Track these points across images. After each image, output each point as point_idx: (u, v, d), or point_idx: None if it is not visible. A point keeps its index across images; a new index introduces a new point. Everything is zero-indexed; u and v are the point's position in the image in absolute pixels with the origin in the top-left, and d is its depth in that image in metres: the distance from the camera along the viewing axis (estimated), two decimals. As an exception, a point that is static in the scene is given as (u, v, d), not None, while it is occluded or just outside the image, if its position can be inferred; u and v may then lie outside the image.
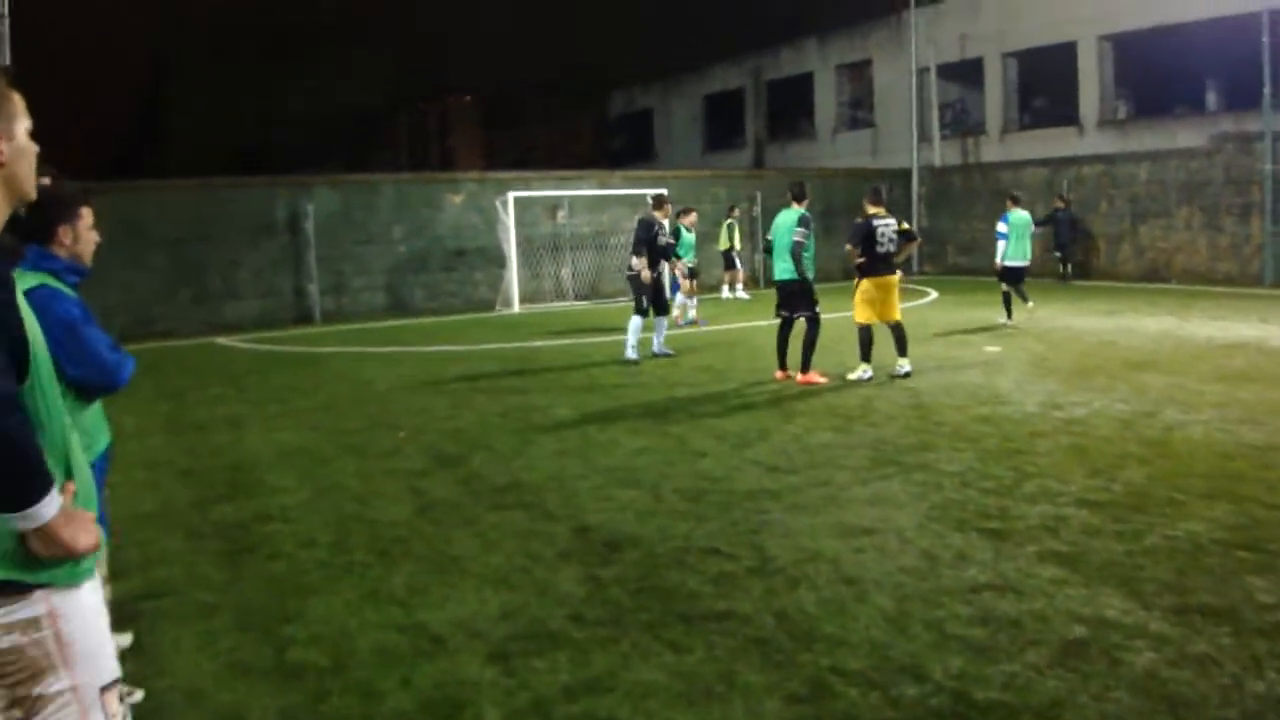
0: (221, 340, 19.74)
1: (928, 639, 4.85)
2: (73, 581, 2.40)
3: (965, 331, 16.53)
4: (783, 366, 12.51)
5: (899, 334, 12.40)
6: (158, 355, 17.48)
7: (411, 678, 4.64)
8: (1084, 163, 27.60)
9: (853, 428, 9.53)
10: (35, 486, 2.19)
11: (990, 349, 14.37)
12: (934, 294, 23.66)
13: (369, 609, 5.49)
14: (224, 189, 22.85)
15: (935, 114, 32.96)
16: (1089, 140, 28.94)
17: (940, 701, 4.26)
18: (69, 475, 2.42)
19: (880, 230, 12.23)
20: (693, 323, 19.06)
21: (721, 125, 44.72)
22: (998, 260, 17.58)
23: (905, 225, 12.72)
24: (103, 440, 4.65)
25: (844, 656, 4.69)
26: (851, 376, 12.18)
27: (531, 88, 51.97)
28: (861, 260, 12.32)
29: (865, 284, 12.35)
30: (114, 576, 6.20)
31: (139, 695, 4.57)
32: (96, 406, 4.63)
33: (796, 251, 12.13)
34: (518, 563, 6.12)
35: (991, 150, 31.88)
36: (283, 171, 26.27)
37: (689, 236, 19.02)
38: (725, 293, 24.53)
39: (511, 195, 23.81)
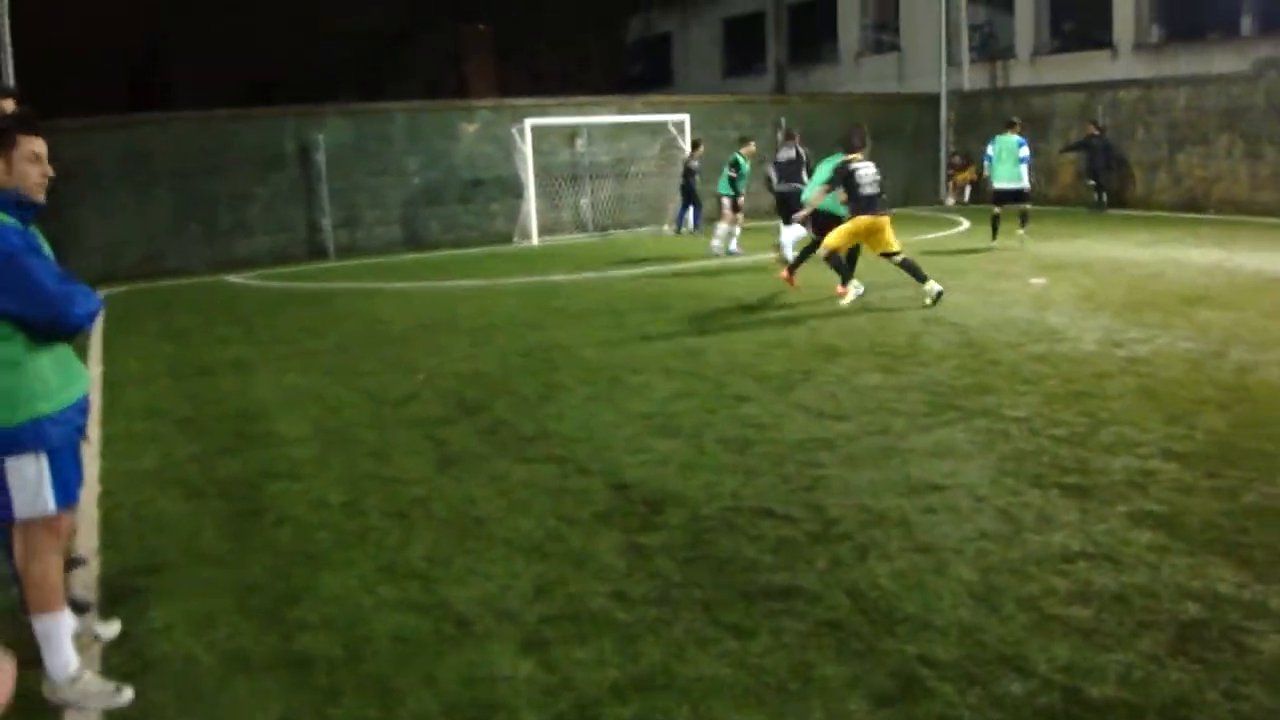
0: (231, 278, 19.09)
1: (1024, 620, 4.24)
2: None
3: (1004, 263, 15.76)
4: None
5: (909, 266, 12.40)
6: (165, 294, 16.90)
7: (434, 672, 4.04)
8: (1120, 87, 26.53)
9: (902, 368, 8.87)
10: None
11: (1035, 281, 13.64)
12: (966, 223, 22.81)
13: (385, 584, 4.89)
14: (231, 121, 22.06)
15: (965, 37, 31.82)
16: (1122, 65, 27.82)
17: (1050, 700, 3.66)
18: None
19: (859, 172, 12.39)
20: (733, 253, 18.32)
21: (741, 50, 43.53)
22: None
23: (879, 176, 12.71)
24: (69, 391, 4.02)
25: (932, 643, 4.07)
26: (845, 302, 12.43)
27: (546, 13, 50.78)
28: (847, 204, 12.54)
29: (856, 220, 12.39)
30: (105, 546, 5.67)
31: (127, 695, 4.01)
32: (64, 350, 4.02)
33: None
34: (550, 526, 5.51)
35: (1021, 74, 30.77)
36: (294, 103, 25.40)
37: (747, 167, 19.33)
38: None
39: (529, 122, 22.95)
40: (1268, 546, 4.88)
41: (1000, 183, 17.94)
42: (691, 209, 22.85)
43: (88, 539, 5.70)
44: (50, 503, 3.96)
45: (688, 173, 22.41)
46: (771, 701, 3.72)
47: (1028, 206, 18.14)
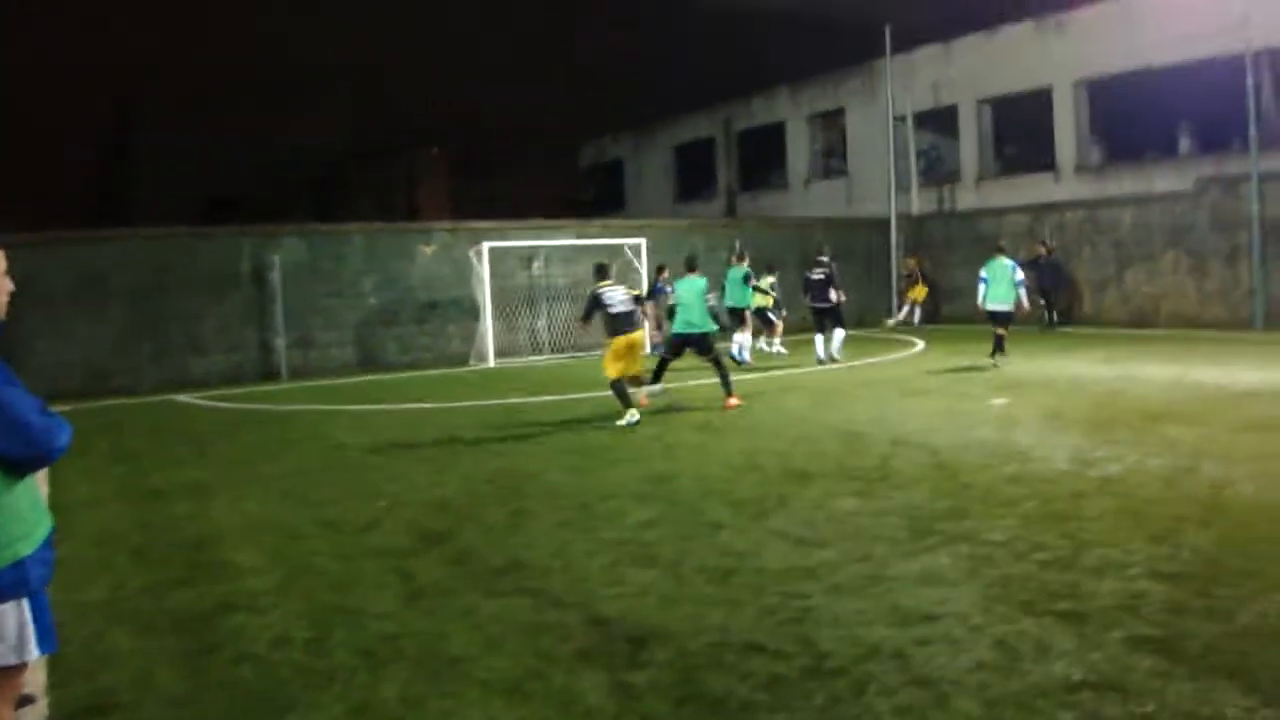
0: (182, 398, 18.72)
1: (1036, 759, 4.02)
2: None
3: (963, 383, 15.79)
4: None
5: (637, 381, 13.95)
6: (115, 413, 16.50)
7: (415, 828, 3.75)
8: (1066, 208, 27.22)
9: (876, 491, 8.72)
10: None
11: (997, 401, 13.64)
12: (921, 344, 22.98)
13: (356, 729, 4.59)
14: (187, 239, 21.94)
15: (913, 162, 32.53)
16: (1065, 186, 28.56)
17: None
18: None
19: (607, 296, 13.59)
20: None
21: (693, 175, 44.24)
22: (979, 303, 18.49)
23: (635, 291, 14.31)
24: (43, 527, 3.76)
25: (942, 789, 3.85)
26: (620, 423, 13.07)
27: (499, 139, 51.45)
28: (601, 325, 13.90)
29: (614, 342, 13.56)
30: (56, 684, 5.33)
31: None
32: (31, 483, 3.75)
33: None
34: (528, 665, 5.23)
35: (967, 197, 31.46)
36: (248, 221, 25.33)
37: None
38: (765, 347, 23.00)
39: (486, 245, 23.01)
40: (1272, 667, 4.74)
41: (994, 305, 18.07)
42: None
43: (36, 675, 5.34)
44: (34, 651, 3.67)
45: (654, 294, 22.49)
46: None
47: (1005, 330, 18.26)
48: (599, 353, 23.51)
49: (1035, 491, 8.45)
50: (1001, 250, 18.91)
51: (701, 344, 14.67)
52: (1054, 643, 5.18)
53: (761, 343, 21.99)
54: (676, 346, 15.04)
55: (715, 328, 15.07)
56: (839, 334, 20.09)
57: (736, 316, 20.75)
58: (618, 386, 13.45)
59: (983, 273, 18.43)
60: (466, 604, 6.27)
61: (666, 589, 6.35)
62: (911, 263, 29.85)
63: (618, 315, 13.51)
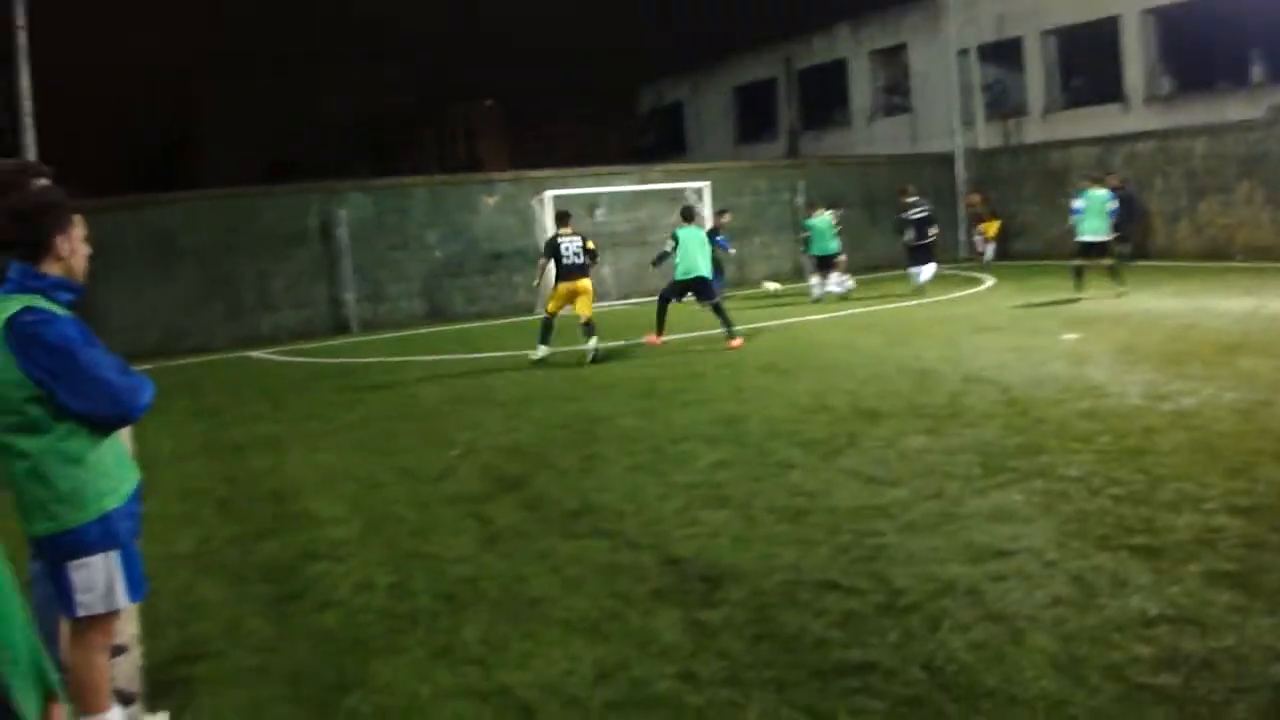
0: (256, 354, 19.07)
1: (1112, 690, 4.03)
2: None
3: (1034, 319, 15.60)
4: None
5: (589, 328, 14.92)
6: (192, 371, 16.85)
7: (501, 763, 3.86)
8: (1136, 140, 26.55)
9: (947, 429, 8.69)
10: None
11: (1068, 336, 13.46)
12: (991, 280, 22.69)
13: (441, 670, 4.71)
14: (254, 198, 22.23)
15: (977, 96, 31.93)
16: (1134, 118, 27.90)
17: (1152, 777, 3.45)
18: (48, 691, 1.46)
19: (564, 245, 15.08)
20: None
21: (754, 116, 43.79)
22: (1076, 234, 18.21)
23: (590, 244, 15.42)
24: (130, 479, 3.90)
25: (1019, 718, 3.87)
26: (533, 356, 14.87)
27: (557, 87, 51.32)
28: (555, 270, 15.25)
29: (559, 286, 15.15)
30: (147, 634, 5.51)
31: (177, 794, 3.83)
32: (117, 441, 3.87)
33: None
34: (606, 605, 5.32)
35: (1034, 131, 30.84)
36: (312, 179, 25.61)
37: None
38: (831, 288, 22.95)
39: (548, 194, 23.03)
40: (1352, 603, 4.69)
41: (1087, 236, 17.93)
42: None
43: (129, 626, 5.53)
44: (123, 600, 3.82)
45: (713, 239, 22.55)
46: (860, 788, 3.52)
47: (1112, 260, 18.10)
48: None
49: (1109, 426, 8.36)
50: (1098, 180, 18.64)
51: (701, 289, 15.70)
52: (1130, 577, 5.16)
53: (818, 282, 21.77)
54: (679, 290, 15.94)
55: (711, 274, 16.02)
56: (930, 268, 21.24)
57: (826, 264, 21.48)
58: (546, 321, 15.10)
59: (1077, 203, 18.16)
60: (543, 547, 6.38)
61: (739, 529, 6.41)
62: (976, 199, 29.30)
63: (568, 264, 15.03)
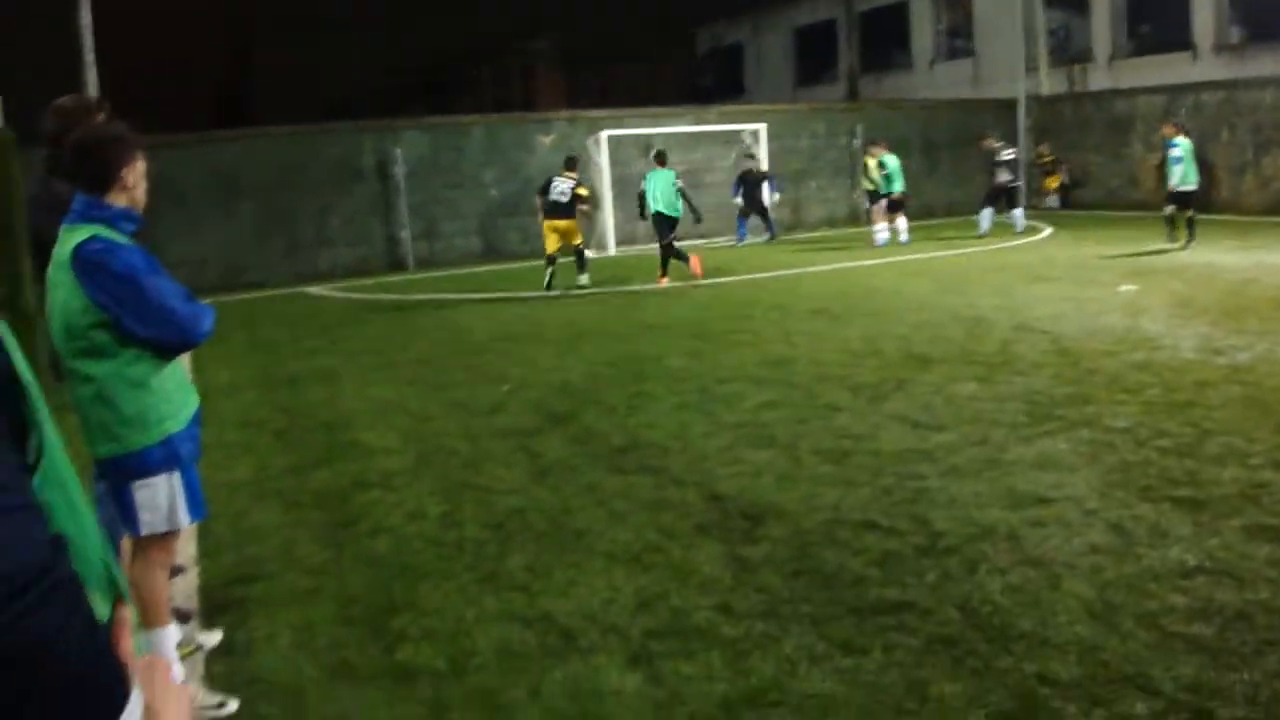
0: (313, 290, 19.32)
1: (1146, 638, 4.08)
2: None
3: (1091, 270, 15.43)
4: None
5: (580, 256, 16.94)
6: (250, 306, 17.11)
7: (541, 685, 3.99)
8: (1202, 90, 25.93)
9: (996, 377, 8.68)
10: (92, 712, 1.16)
11: (1125, 288, 13.31)
12: (1048, 230, 22.42)
13: (487, 596, 4.85)
14: (312, 136, 22.37)
15: (1042, 41, 31.32)
16: (1202, 66, 27.20)
17: (1179, 720, 3.51)
18: (116, 592, 1.51)
19: (555, 186, 16.70)
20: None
21: (813, 58, 43.25)
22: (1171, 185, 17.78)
23: (582, 190, 17.06)
24: (191, 404, 4.04)
25: (1051, 661, 3.94)
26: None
27: (616, 26, 50.94)
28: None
29: (546, 224, 16.82)
30: (204, 555, 5.70)
31: (233, 706, 4.00)
32: (179, 367, 4.01)
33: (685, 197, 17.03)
34: (649, 538, 5.44)
35: (1099, 78, 30.19)
36: (368, 118, 25.73)
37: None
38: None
39: (604, 134, 23.00)
40: (1395, 561, 4.69)
41: (1186, 185, 17.64)
42: (760, 218, 23.10)
43: (187, 548, 5.73)
44: (185, 519, 3.97)
45: (758, 182, 22.57)
46: (890, 720, 3.61)
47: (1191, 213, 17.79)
48: (723, 240, 23.60)
49: (1160, 379, 8.32)
50: (1181, 128, 18.29)
51: (671, 227, 16.78)
52: (1171, 529, 5.18)
53: (887, 227, 21.58)
54: (665, 226, 16.92)
55: (680, 214, 17.00)
56: (1017, 212, 21.77)
57: (897, 205, 21.47)
58: (551, 260, 16.67)
59: (1176, 151, 17.70)
60: (590, 481, 6.50)
61: (783, 469, 6.49)
62: (1044, 150, 28.66)
63: (552, 201, 16.64)
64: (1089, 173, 27.82)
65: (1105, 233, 20.38)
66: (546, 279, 16.47)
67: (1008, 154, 21.74)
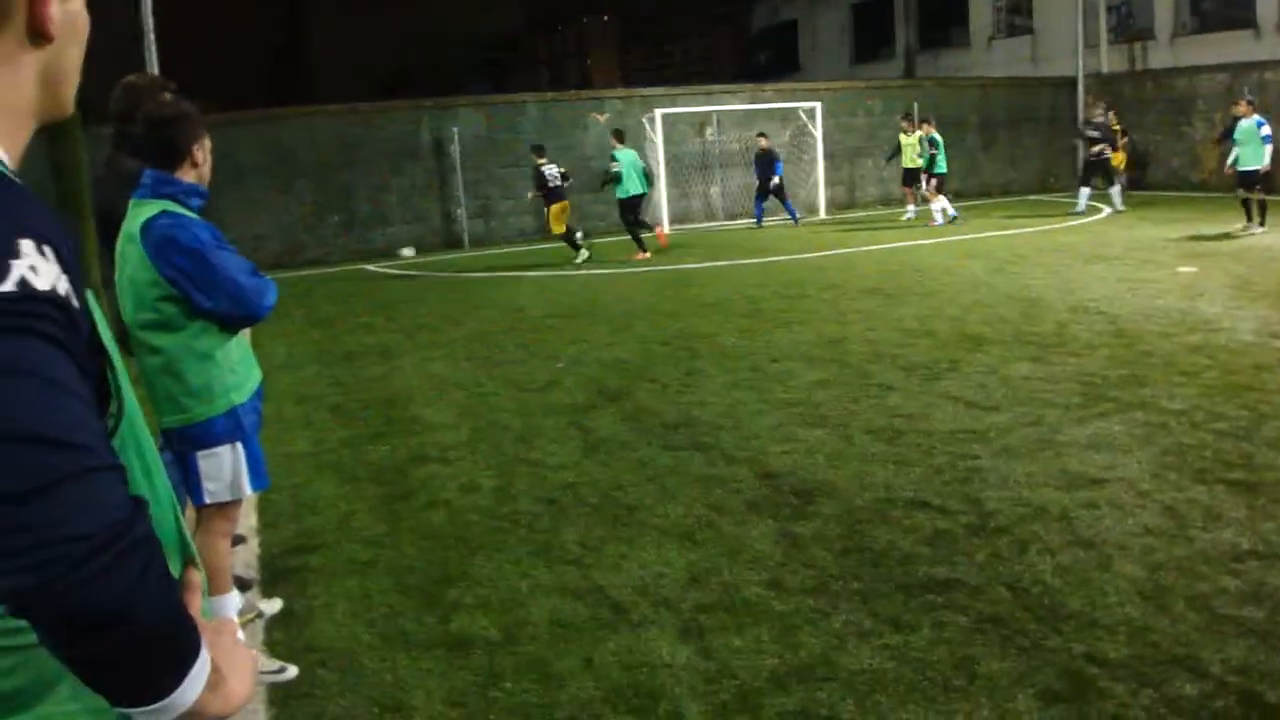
0: (370, 267, 19.53)
1: (1196, 620, 4.08)
2: None
3: (1149, 250, 15.23)
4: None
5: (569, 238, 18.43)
6: (308, 283, 17.33)
7: (594, 656, 4.07)
8: (1266, 68, 25.40)
9: (1051, 357, 8.64)
10: (169, 664, 1.24)
11: (1184, 269, 13.15)
12: (1106, 210, 22.13)
13: (540, 569, 4.94)
14: (369, 114, 22.56)
15: (1102, 18, 30.81)
16: (1266, 44, 26.64)
17: (1226, 704, 3.52)
18: (188, 555, 1.58)
19: (547, 172, 18.05)
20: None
21: (869, 35, 42.87)
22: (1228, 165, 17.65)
23: (563, 169, 18.55)
24: (254, 377, 4.14)
25: (1100, 642, 3.95)
26: (579, 260, 17.82)
27: (673, 4, 50.77)
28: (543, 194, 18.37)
29: (551, 208, 18.27)
30: (265, 526, 5.84)
31: (292, 671, 4.11)
32: (244, 340, 4.11)
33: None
34: (700, 514, 5.50)
35: (1161, 56, 29.66)
36: (424, 96, 25.87)
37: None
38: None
39: (659, 112, 22.99)
40: None
41: (1245, 165, 17.30)
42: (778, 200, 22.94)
43: (248, 518, 5.86)
44: (247, 489, 4.08)
45: (770, 162, 22.38)
46: (937, 697, 3.65)
47: (1262, 196, 17.35)
48: (780, 219, 23.53)
49: (1217, 362, 8.23)
50: (1252, 106, 17.86)
51: (638, 204, 18.52)
52: (1224, 511, 5.16)
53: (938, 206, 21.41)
54: (635, 206, 18.52)
55: (648, 190, 19.11)
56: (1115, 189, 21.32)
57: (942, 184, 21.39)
58: (566, 238, 18.25)
59: (1246, 130, 17.35)
60: (642, 457, 6.57)
61: (835, 447, 6.52)
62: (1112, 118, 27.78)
63: (553, 187, 18.09)
64: (1149, 152, 27.39)
65: (1164, 213, 20.09)
66: (584, 253, 18.00)
67: (1098, 117, 21.37)
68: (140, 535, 1.18)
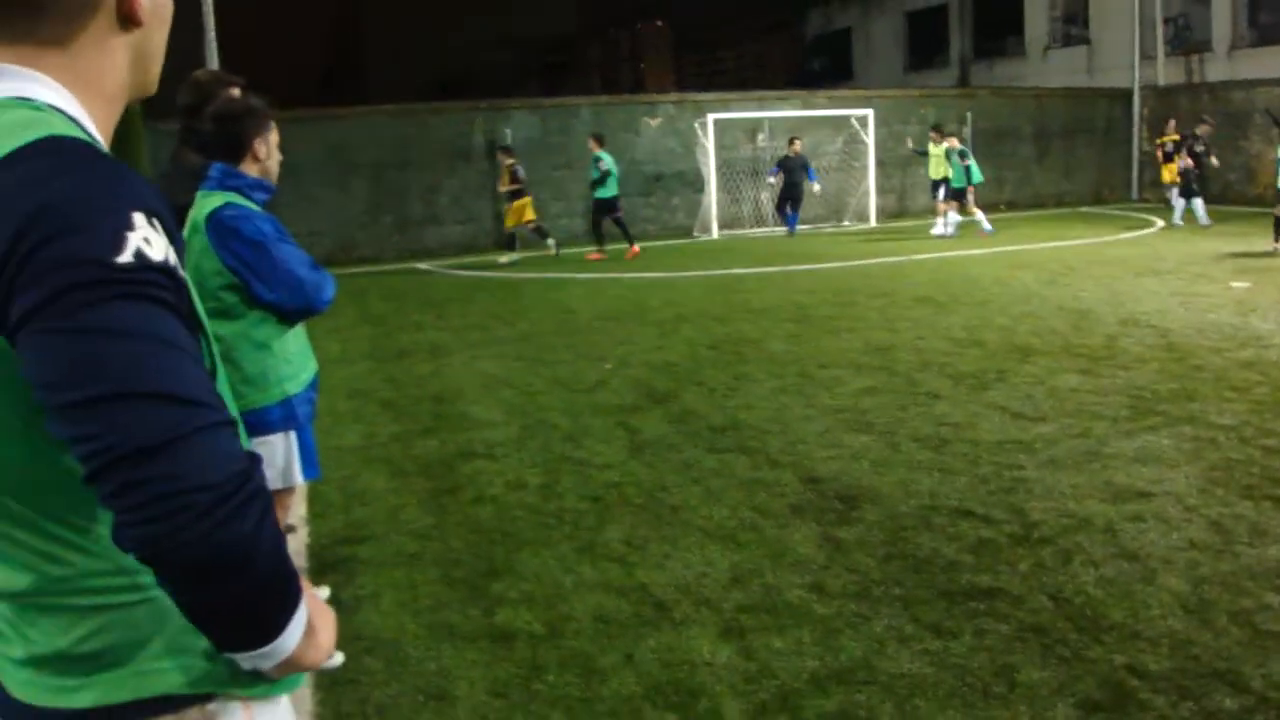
0: (422, 265, 19.73)
1: (1238, 635, 4.07)
2: (274, 694, 1.53)
3: (1203, 265, 15.07)
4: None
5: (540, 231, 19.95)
6: (361, 281, 17.51)
7: (635, 653, 4.12)
8: (1327, 82, 25.07)
9: (1100, 370, 8.60)
10: (279, 609, 1.34)
11: (1237, 284, 13.01)
12: (1160, 223, 21.93)
13: (584, 565, 5.01)
14: (424, 114, 22.77)
15: (1159, 29, 30.48)
16: (1325, 58, 26.27)
17: (1267, 718, 3.52)
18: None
19: (518, 172, 19.29)
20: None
21: (923, 43, 42.70)
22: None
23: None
24: (309, 368, 4.25)
25: (1141, 653, 3.96)
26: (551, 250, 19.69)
27: (726, 10, 50.78)
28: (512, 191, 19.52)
29: (517, 204, 19.46)
30: (314, 516, 5.95)
31: (338, 660, 4.18)
32: (300, 332, 4.22)
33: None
34: (744, 516, 5.55)
35: (1218, 68, 29.30)
36: (477, 98, 26.07)
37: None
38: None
39: (711, 118, 23.03)
40: None
41: None
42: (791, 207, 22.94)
43: (297, 508, 5.98)
44: (299, 477, 4.18)
45: (801, 168, 22.24)
46: (976, 703, 3.67)
47: None
48: (828, 226, 23.53)
49: (1268, 378, 8.16)
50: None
51: (616, 205, 19.56)
52: (1270, 528, 5.13)
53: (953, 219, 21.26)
54: (612, 206, 19.51)
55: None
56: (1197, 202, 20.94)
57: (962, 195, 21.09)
58: (537, 229, 19.80)
59: None
60: (687, 458, 6.63)
61: (880, 454, 6.54)
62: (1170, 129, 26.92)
63: (521, 186, 19.41)
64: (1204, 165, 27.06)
65: (1219, 227, 19.87)
66: (545, 238, 19.82)
67: (1202, 130, 21.22)
68: (256, 486, 1.27)
